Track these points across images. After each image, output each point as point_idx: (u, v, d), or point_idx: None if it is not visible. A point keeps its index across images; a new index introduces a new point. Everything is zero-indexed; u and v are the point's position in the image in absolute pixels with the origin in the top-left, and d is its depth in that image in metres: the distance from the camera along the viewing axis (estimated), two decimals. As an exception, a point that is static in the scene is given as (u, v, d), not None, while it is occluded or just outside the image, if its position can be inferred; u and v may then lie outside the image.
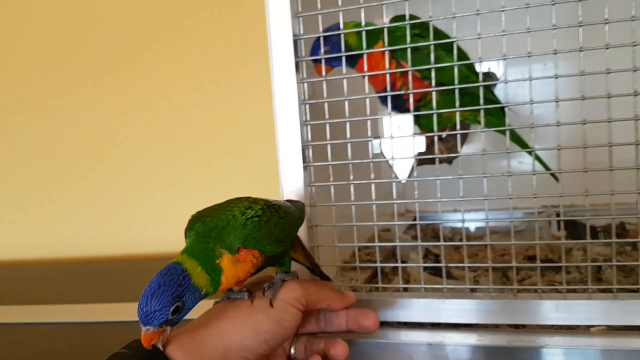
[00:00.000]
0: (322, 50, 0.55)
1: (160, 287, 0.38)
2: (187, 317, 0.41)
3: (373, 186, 0.55)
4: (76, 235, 1.37)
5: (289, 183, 0.55)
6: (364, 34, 0.54)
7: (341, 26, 0.55)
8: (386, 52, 0.54)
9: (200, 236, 0.42)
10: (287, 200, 0.51)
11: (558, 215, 0.82)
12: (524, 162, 0.89)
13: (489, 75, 0.72)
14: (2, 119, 1.39)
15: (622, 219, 0.80)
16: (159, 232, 1.31)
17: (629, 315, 0.48)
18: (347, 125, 0.55)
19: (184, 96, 1.26)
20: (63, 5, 1.31)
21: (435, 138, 0.53)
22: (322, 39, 0.55)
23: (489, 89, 0.61)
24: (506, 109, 0.63)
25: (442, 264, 0.55)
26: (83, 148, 1.34)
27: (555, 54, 0.49)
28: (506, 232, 0.83)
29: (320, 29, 0.55)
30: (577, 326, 0.50)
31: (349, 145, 0.55)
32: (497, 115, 0.62)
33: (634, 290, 0.50)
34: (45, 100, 1.35)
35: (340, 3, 0.53)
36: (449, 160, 0.64)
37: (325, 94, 0.55)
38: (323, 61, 0.55)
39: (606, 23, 0.48)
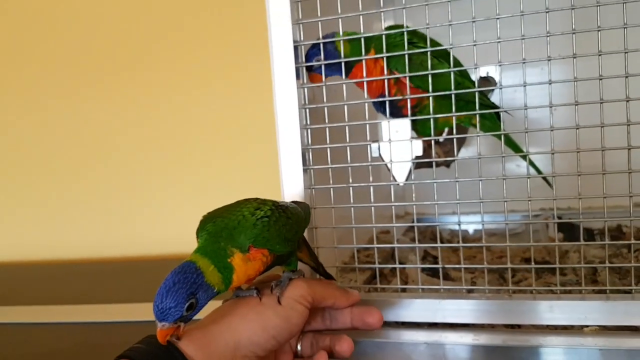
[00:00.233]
0: (316, 59, 0.57)
1: (175, 285, 0.39)
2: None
3: (372, 189, 0.56)
4: (78, 236, 1.38)
5: (290, 185, 0.57)
6: (356, 42, 0.55)
7: (340, 33, 0.56)
8: (379, 60, 0.55)
9: (212, 236, 0.43)
10: (293, 202, 0.52)
11: (555, 218, 0.83)
12: (522, 165, 0.90)
13: (487, 80, 0.73)
14: (4, 120, 1.40)
15: (619, 221, 0.80)
16: (161, 233, 1.32)
17: (621, 315, 0.49)
18: (347, 129, 0.56)
19: (185, 98, 1.26)
20: (64, 6, 1.32)
21: (432, 142, 0.55)
22: (321, 46, 0.57)
23: (483, 94, 0.63)
24: (503, 113, 0.64)
25: (439, 265, 0.56)
26: (84, 149, 1.34)
27: (549, 60, 0.50)
28: (505, 234, 0.84)
29: (320, 35, 0.56)
30: (572, 326, 0.51)
31: (348, 149, 0.57)
32: (491, 119, 0.63)
33: (627, 292, 0.51)
34: (47, 101, 1.35)
35: (339, 10, 0.54)
36: (447, 164, 0.66)
37: (324, 99, 0.57)
38: (323, 69, 0.57)
39: (599, 30, 0.49)
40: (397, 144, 0.56)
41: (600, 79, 0.49)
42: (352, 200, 0.57)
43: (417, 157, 0.55)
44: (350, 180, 0.57)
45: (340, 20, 0.55)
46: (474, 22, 0.51)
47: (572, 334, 0.50)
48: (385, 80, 0.57)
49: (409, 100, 0.55)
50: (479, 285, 0.61)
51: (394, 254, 0.59)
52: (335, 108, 0.57)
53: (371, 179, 0.56)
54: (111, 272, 1.21)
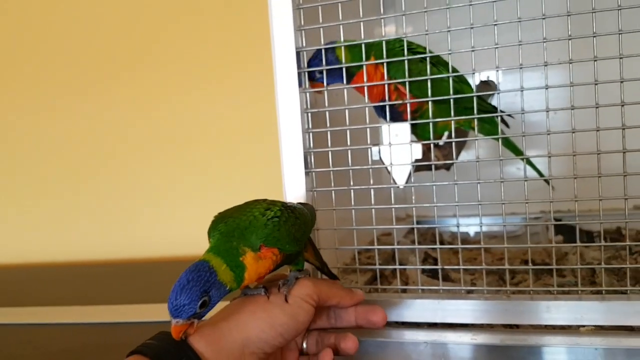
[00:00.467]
0: (318, 69, 0.58)
1: (189, 283, 0.41)
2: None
3: (372, 191, 0.58)
4: (79, 238, 1.39)
5: (292, 188, 0.58)
6: (356, 49, 0.57)
7: (342, 39, 0.58)
8: (379, 67, 0.57)
9: (224, 235, 0.45)
10: (299, 203, 0.54)
11: (555, 220, 0.84)
12: (522, 168, 0.91)
13: (487, 83, 0.74)
14: (4, 121, 1.41)
15: (619, 224, 0.81)
16: (162, 235, 1.33)
17: (617, 315, 0.50)
18: (348, 133, 0.58)
19: (186, 100, 1.27)
20: (65, 7, 1.32)
21: (432, 145, 0.56)
22: (322, 53, 0.58)
23: (481, 98, 0.64)
24: (505, 116, 0.65)
25: (439, 266, 0.57)
26: (85, 150, 1.35)
27: (546, 65, 0.51)
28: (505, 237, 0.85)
29: (322, 42, 0.58)
30: (569, 326, 0.52)
31: (349, 152, 0.58)
32: (491, 123, 0.65)
33: (623, 292, 0.52)
34: (47, 103, 1.36)
35: (340, 17, 0.56)
36: (447, 167, 0.67)
37: (326, 104, 0.58)
38: (325, 77, 0.58)
39: (594, 36, 0.50)
40: (397, 147, 0.57)
41: (596, 84, 0.50)
42: (353, 203, 0.58)
43: (416, 160, 0.56)
44: (351, 183, 0.58)
45: (341, 26, 0.57)
46: (472, 28, 0.52)
47: (569, 334, 0.51)
48: (386, 86, 0.58)
49: (408, 105, 0.56)
50: (478, 287, 0.62)
51: (395, 255, 0.60)
52: (337, 112, 0.58)
53: (372, 181, 0.58)
54: (114, 274, 1.22)
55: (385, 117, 0.58)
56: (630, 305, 0.50)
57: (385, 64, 0.58)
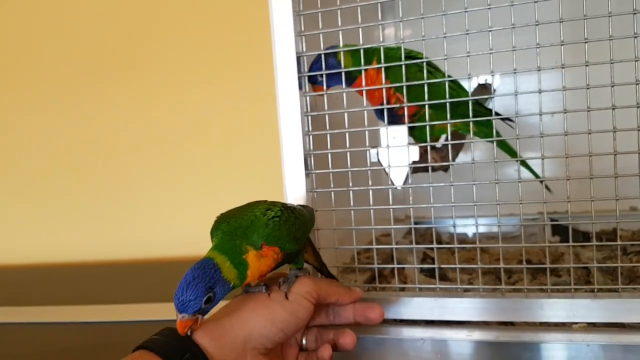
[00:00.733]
0: (320, 73, 0.60)
1: (194, 279, 0.42)
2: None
3: (371, 192, 0.59)
4: (80, 239, 1.40)
5: (292, 189, 0.59)
6: (358, 54, 0.58)
7: (340, 45, 0.59)
8: (380, 72, 0.58)
9: (226, 234, 0.46)
10: (298, 205, 0.55)
11: (552, 221, 0.85)
12: (520, 169, 0.92)
13: (485, 87, 0.76)
14: (6, 122, 1.41)
15: (615, 225, 0.82)
16: (162, 236, 1.34)
17: (608, 312, 0.51)
18: (347, 135, 0.59)
19: (186, 101, 1.28)
20: (65, 7, 1.33)
21: (428, 147, 0.58)
22: (322, 58, 0.60)
23: (479, 103, 0.65)
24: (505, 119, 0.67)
25: (435, 265, 0.58)
26: (84, 150, 1.36)
27: (539, 70, 0.53)
28: (503, 237, 0.87)
29: (322, 47, 0.59)
30: (563, 323, 0.53)
31: (348, 154, 0.59)
32: (487, 126, 0.66)
33: (614, 290, 0.54)
34: (46, 103, 1.37)
35: (340, 23, 0.57)
36: (445, 168, 0.68)
37: (326, 107, 0.60)
38: (324, 81, 0.60)
39: (586, 42, 0.52)
40: (395, 149, 0.58)
41: (588, 88, 0.52)
42: (352, 203, 0.60)
43: (413, 162, 0.58)
44: (351, 184, 0.59)
45: (340, 32, 0.58)
46: (467, 34, 0.54)
47: (562, 331, 0.52)
48: (384, 90, 0.60)
49: (406, 109, 0.58)
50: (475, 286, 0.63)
51: (393, 255, 0.61)
52: (336, 115, 0.60)
53: (370, 182, 0.59)
54: (115, 275, 1.24)
55: (387, 120, 0.60)
56: (622, 303, 0.51)
57: (385, 71, 0.60)
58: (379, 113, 0.65)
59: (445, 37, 0.54)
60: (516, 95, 0.54)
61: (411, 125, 0.59)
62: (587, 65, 0.52)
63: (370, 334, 0.56)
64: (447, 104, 0.56)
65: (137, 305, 0.93)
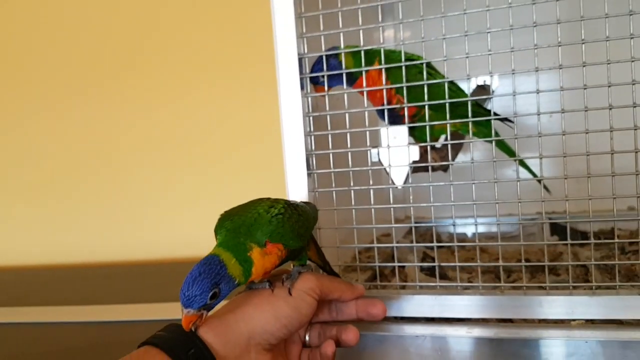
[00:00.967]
0: (322, 74, 0.61)
1: (200, 275, 0.43)
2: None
3: (372, 191, 0.60)
4: (83, 240, 1.40)
5: (295, 189, 0.60)
6: (360, 55, 0.59)
7: (341, 46, 0.60)
8: (382, 72, 0.59)
9: (231, 232, 0.47)
10: (301, 202, 0.56)
11: (544, 219, 0.86)
12: (519, 170, 0.93)
13: (483, 88, 0.77)
14: (8, 123, 1.42)
15: (613, 225, 0.83)
16: (165, 237, 1.34)
17: (606, 309, 0.52)
18: (348, 135, 0.60)
19: (189, 101, 1.28)
20: (67, 8, 1.34)
21: (428, 147, 0.58)
22: (323, 59, 0.61)
23: (478, 104, 0.66)
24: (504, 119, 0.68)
25: (435, 264, 0.59)
26: (87, 151, 1.37)
27: (537, 71, 0.54)
28: (502, 237, 0.88)
29: (323, 48, 0.60)
30: (561, 320, 0.54)
31: (349, 154, 0.60)
32: (486, 126, 0.67)
33: (612, 287, 0.55)
34: (49, 104, 1.37)
35: (340, 25, 0.58)
36: (444, 168, 0.69)
37: (327, 107, 0.60)
38: (325, 82, 0.61)
39: (583, 43, 0.52)
40: (395, 149, 0.59)
41: (585, 89, 0.53)
42: (353, 203, 0.60)
43: (414, 162, 0.59)
44: (352, 184, 0.60)
45: (341, 34, 0.59)
46: (466, 35, 0.55)
47: (561, 327, 0.53)
48: (384, 91, 0.61)
49: (406, 109, 0.58)
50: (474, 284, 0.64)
51: (394, 255, 0.62)
52: (337, 116, 0.60)
53: (371, 182, 0.60)
54: (118, 275, 1.24)
55: (388, 120, 0.61)
56: (619, 300, 0.52)
57: (386, 73, 0.61)
58: (381, 113, 0.66)
59: (444, 38, 0.55)
60: (514, 95, 0.55)
61: (411, 125, 0.60)
62: (584, 66, 0.52)
63: (371, 331, 0.57)
64: (447, 105, 0.57)
65: (140, 305, 0.94)
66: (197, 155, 1.30)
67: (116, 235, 1.38)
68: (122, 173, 1.36)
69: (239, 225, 0.47)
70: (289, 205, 0.50)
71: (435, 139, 0.66)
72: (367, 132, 0.61)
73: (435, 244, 0.59)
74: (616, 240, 0.55)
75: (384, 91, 0.62)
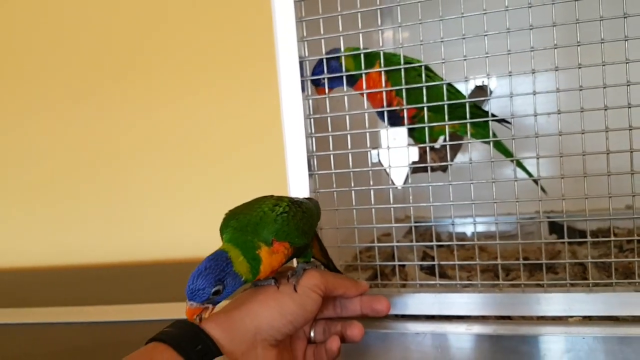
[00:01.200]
0: (323, 76, 0.62)
1: (206, 269, 0.43)
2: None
3: (372, 192, 0.61)
4: (86, 241, 1.41)
5: (296, 189, 0.61)
6: (361, 58, 0.60)
7: (342, 49, 0.61)
8: (382, 75, 0.60)
9: (237, 231, 0.47)
10: (304, 198, 0.56)
11: (549, 220, 0.87)
12: (517, 170, 0.94)
13: (482, 88, 0.78)
14: (12, 126, 1.43)
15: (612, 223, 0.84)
16: (167, 238, 1.35)
17: (603, 306, 0.53)
18: (348, 137, 0.61)
19: (191, 102, 1.29)
20: (69, 10, 1.35)
21: (427, 148, 0.60)
22: (324, 61, 0.62)
23: (476, 106, 0.67)
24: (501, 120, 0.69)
25: (435, 262, 0.60)
26: (89, 152, 1.37)
27: (533, 72, 0.55)
28: (501, 236, 0.88)
29: (323, 51, 0.61)
30: (559, 317, 0.55)
31: (350, 155, 0.61)
32: (484, 127, 0.68)
33: (609, 284, 0.56)
34: (50, 105, 1.38)
35: (341, 29, 0.59)
36: (443, 169, 0.70)
37: (328, 109, 0.62)
38: (326, 84, 0.62)
39: (579, 45, 0.54)
40: (395, 150, 0.60)
41: (581, 90, 0.54)
42: (354, 203, 0.61)
43: (413, 163, 0.60)
44: (352, 184, 0.61)
45: (341, 37, 0.60)
46: (464, 38, 0.56)
47: (558, 324, 0.54)
48: (384, 93, 0.62)
49: (405, 111, 0.59)
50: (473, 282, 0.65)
51: (394, 255, 0.63)
52: (338, 118, 0.62)
53: (371, 182, 0.61)
54: (121, 276, 1.25)
55: (388, 121, 0.62)
56: (616, 297, 0.53)
57: (387, 75, 0.62)
58: (382, 114, 0.67)
59: (442, 41, 0.56)
60: (511, 97, 0.56)
61: (411, 126, 0.61)
62: (579, 68, 0.53)
63: (372, 328, 0.58)
64: (445, 107, 0.58)
65: (141, 305, 0.95)
66: (198, 155, 1.31)
67: (117, 235, 1.39)
68: (123, 173, 1.36)
69: (245, 224, 0.47)
70: (293, 202, 0.51)
71: (434, 140, 0.68)
72: (367, 134, 0.62)
73: (434, 242, 0.60)
74: (612, 238, 0.56)
75: (384, 93, 0.63)
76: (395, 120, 0.62)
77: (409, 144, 0.60)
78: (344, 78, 0.64)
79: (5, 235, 1.48)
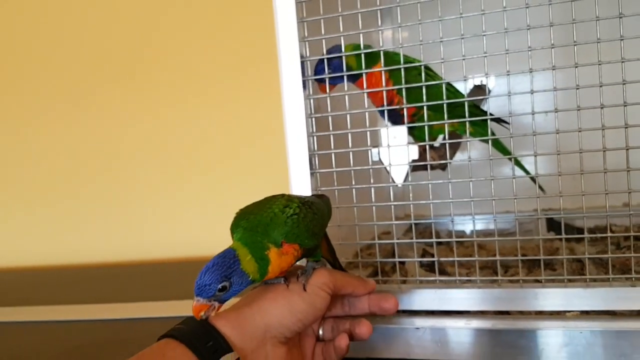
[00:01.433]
0: (326, 72, 0.63)
1: (213, 266, 0.44)
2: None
3: (373, 190, 0.62)
4: (88, 241, 1.42)
5: (298, 188, 0.62)
6: (362, 56, 0.61)
7: (342, 48, 0.62)
8: (383, 73, 0.61)
9: (248, 230, 0.47)
10: (314, 195, 0.57)
11: (547, 217, 0.88)
12: (516, 169, 0.95)
13: (480, 88, 0.79)
14: (15, 127, 1.44)
15: (610, 221, 0.85)
16: (170, 237, 1.36)
17: (600, 301, 0.54)
18: (349, 136, 0.62)
19: (192, 103, 1.30)
20: (71, 11, 1.35)
21: (427, 147, 0.60)
22: (325, 60, 0.63)
23: (475, 106, 0.68)
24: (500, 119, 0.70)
25: (435, 259, 0.61)
26: (92, 154, 1.38)
27: (531, 72, 0.56)
28: (500, 234, 0.89)
29: (324, 51, 0.62)
30: (557, 312, 0.56)
31: (350, 154, 0.62)
32: (483, 127, 0.69)
33: (606, 280, 0.57)
34: (53, 107, 1.39)
35: (341, 29, 0.60)
36: (442, 167, 0.71)
37: (329, 109, 0.62)
38: (327, 81, 0.63)
39: (575, 45, 0.55)
40: (395, 149, 0.61)
41: (577, 88, 0.55)
42: (354, 201, 0.62)
43: (413, 161, 0.61)
44: (353, 182, 0.62)
45: (342, 37, 0.61)
46: (462, 38, 0.57)
47: (556, 319, 0.55)
48: (384, 92, 0.63)
49: (405, 110, 0.60)
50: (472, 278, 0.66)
51: (394, 253, 0.64)
52: (339, 117, 0.62)
53: (372, 181, 0.62)
54: (124, 275, 1.26)
55: (389, 119, 0.63)
56: (613, 292, 0.54)
57: (389, 73, 0.63)
58: (383, 112, 0.68)
59: (441, 41, 0.57)
60: (509, 95, 0.57)
61: (411, 125, 0.62)
62: (576, 67, 0.54)
63: (373, 324, 0.59)
64: (445, 106, 0.59)
65: (144, 303, 0.96)
66: (198, 155, 1.32)
67: (119, 235, 1.39)
68: (125, 174, 1.37)
69: (256, 224, 0.48)
70: (304, 203, 0.50)
71: (433, 138, 0.68)
72: (368, 132, 0.63)
73: (434, 239, 0.61)
74: (609, 234, 0.57)
75: (384, 92, 0.64)
76: (395, 118, 0.63)
77: (409, 143, 0.61)
78: (347, 76, 0.64)
79: (11, 235, 1.49)
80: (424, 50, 0.59)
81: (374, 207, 0.62)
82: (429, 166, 0.60)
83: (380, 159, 0.62)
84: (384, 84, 0.63)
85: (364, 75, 0.62)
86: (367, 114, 0.63)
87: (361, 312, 0.56)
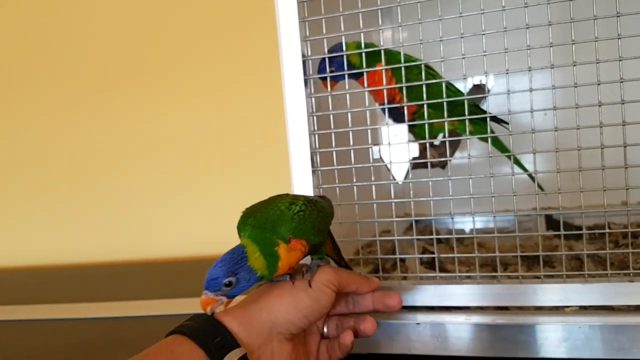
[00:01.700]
0: (328, 69, 0.63)
1: (222, 262, 0.45)
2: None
3: (373, 187, 0.63)
4: (94, 241, 1.43)
5: (300, 186, 0.63)
6: (364, 55, 0.62)
7: (344, 47, 0.63)
8: (387, 71, 0.62)
9: (257, 228, 0.48)
10: (317, 196, 0.58)
11: (547, 216, 0.89)
12: (516, 167, 0.96)
13: (480, 87, 0.80)
14: (20, 129, 1.44)
15: (608, 218, 0.86)
16: (173, 237, 1.36)
17: (598, 296, 0.55)
18: (350, 134, 0.63)
19: (195, 104, 1.31)
20: (71, 12, 1.36)
21: (427, 145, 0.61)
22: (327, 59, 0.63)
23: (474, 104, 0.69)
24: (499, 118, 0.71)
25: (435, 255, 0.62)
26: (96, 155, 1.39)
27: (530, 70, 0.57)
28: (499, 233, 0.90)
29: (326, 50, 0.63)
30: (556, 307, 0.57)
31: (352, 152, 0.63)
32: (482, 126, 0.70)
33: (604, 275, 0.57)
34: (57, 108, 1.40)
35: (342, 28, 0.61)
36: (442, 165, 0.72)
37: (330, 107, 0.63)
38: (328, 78, 0.63)
39: (573, 44, 0.55)
40: (396, 146, 0.62)
41: (575, 87, 0.55)
42: (355, 198, 0.63)
43: (414, 158, 0.61)
44: (354, 180, 0.63)
45: (343, 37, 0.62)
46: (462, 37, 0.57)
47: (555, 314, 0.55)
48: (385, 90, 0.63)
49: (406, 108, 0.61)
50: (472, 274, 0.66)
51: (395, 251, 0.65)
52: (340, 115, 0.63)
53: (373, 178, 0.62)
54: (127, 274, 1.27)
55: (390, 117, 0.64)
56: (611, 287, 0.55)
57: (392, 70, 0.63)
58: (385, 109, 0.69)
59: (441, 40, 0.58)
60: (508, 94, 0.58)
61: (411, 123, 0.63)
62: (574, 65, 0.55)
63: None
64: (445, 104, 0.60)
65: (150, 301, 0.97)
66: (203, 156, 1.33)
67: (124, 235, 1.41)
68: (132, 176, 1.38)
69: (264, 222, 0.49)
70: (309, 201, 0.52)
71: (433, 136, 0.69)
72: (369, 131, 0.63)
73: (434, 236, 0.62)
74: (607, 230, 0.58)
75: (385, 90, 0.64)
76: (397, 115, 0.64)
77: (410, 141, 0.62)
78: (350, 74, 0.65)
79: (21, 236, 1.49)
80: (424, 49, 0.60)
81: (374, 205, 0.63)
82: (429, 164, 0.61)
83: (381, 156, 0.63)
84: (384, 82, 0.63)
85: (365, 73, 0.63)
86: (367, 112, 0.64)
87: (365, 310, 0.56)
